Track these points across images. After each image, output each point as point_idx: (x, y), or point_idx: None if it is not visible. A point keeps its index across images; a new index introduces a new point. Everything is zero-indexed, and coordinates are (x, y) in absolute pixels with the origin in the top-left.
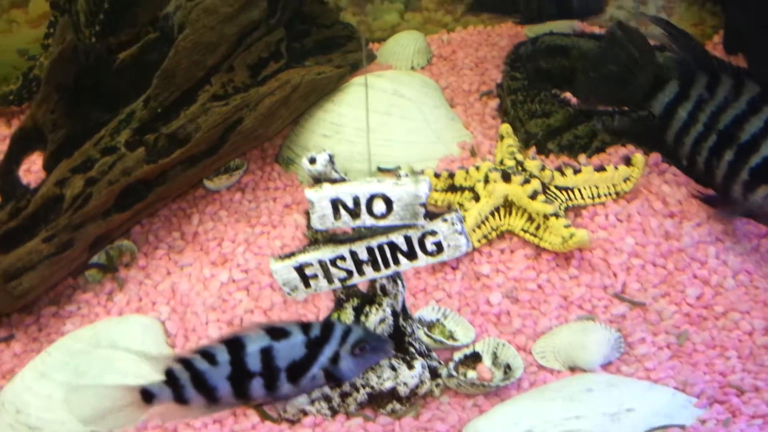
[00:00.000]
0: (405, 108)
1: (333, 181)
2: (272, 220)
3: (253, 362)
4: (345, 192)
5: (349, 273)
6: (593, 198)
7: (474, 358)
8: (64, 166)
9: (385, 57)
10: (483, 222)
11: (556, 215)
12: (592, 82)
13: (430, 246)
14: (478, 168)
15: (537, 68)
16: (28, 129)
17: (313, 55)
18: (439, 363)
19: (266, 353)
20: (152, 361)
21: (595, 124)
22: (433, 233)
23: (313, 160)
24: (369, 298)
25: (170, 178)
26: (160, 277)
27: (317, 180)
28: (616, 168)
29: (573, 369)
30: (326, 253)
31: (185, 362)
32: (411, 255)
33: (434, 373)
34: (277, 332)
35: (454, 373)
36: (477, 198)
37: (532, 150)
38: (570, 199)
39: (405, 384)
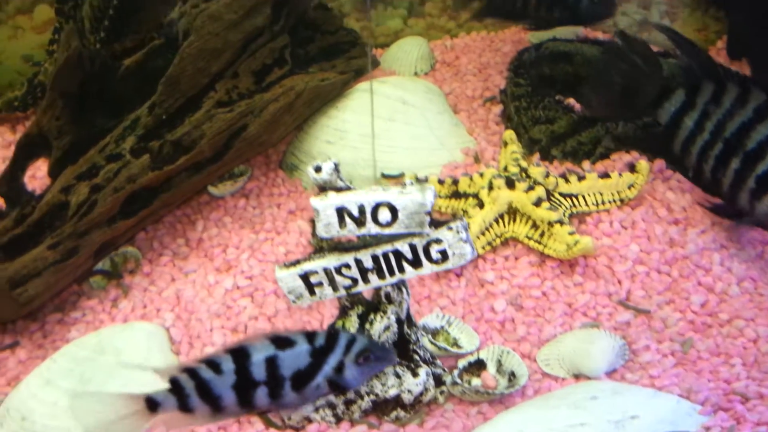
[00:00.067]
0: (409, 114)
1: (338, 190)
2: (276, 227)
3: (258, 371)
4: (350, 200)
5: (354, 281)
6: (597, 205)
7: (478, 366)
8: (69, 172)
9: (388, 63)
10: (487, 229)
11: (561, 222)
12: (597, 93)
13: (434, 254)
14: (482, 175)
15: (540, 74)
16: (33, 135)
17: (317, 62)
18: (444, 370)
19: (271, 362)
20: (157, 373)
21: (599, 131)
22: (438, 241)
23: (318, 169)
24: (374, 305)
25: (175, 185)
26: (165, 284)
27: (322, 188)
28: (620, 175)
29: (577, 376)
30: (331, 261)
31: (190, 371)
32: (416, 263)
33: (439, 381)
34: (282, 341)
35: (459, 381)
36: (481, 205)
37: (536, 156)
38: (574, 205)
39: (409, 391)
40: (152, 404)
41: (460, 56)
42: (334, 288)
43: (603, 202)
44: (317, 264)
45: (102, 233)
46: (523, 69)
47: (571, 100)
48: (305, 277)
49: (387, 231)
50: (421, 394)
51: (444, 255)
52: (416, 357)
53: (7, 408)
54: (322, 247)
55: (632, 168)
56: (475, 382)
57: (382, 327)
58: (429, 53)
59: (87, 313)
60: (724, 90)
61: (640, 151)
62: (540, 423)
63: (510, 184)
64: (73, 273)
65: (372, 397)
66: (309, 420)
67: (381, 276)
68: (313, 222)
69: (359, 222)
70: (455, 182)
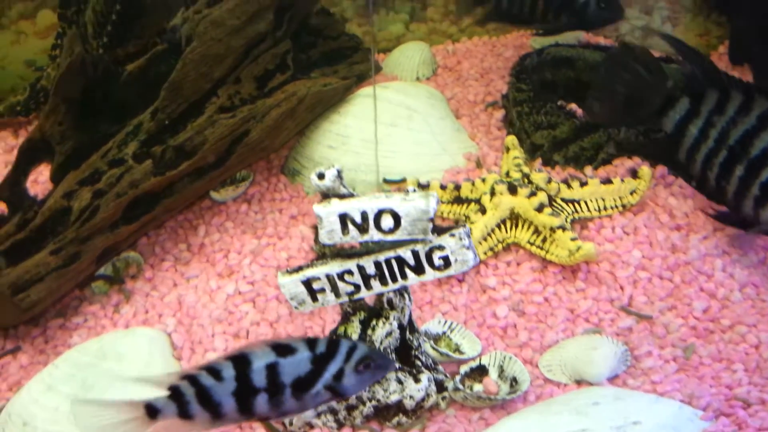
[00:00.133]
0: (411, 119)
1: (341, 197)
2: (278, 232)
3: (259, 378)
4: (353, 207)
5: (357, 287)
6: (600, 210)
7: (480, 372)
8: (72, 178)
9: (390, 68)
10: (489, 234)
11: (563, 228)
12: (601, 102)
13: (437, 261)
14: (484, 180)
15: (543, 80)
16: (35, 140)
17: (319, 67)
18: (446, 376)
19: (271, 369)
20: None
21: (601, 136)
22: (440, 248)
23: (321, 176)
24: (376, 311)
25: (177, 190)
26: (167, 289)
27: (325, 195)
28: (622, 180)
29: (579, 382)
30: (334, 267)
31: (191, 378)
32: (418, 269)
33: (440, 386)
34: (282, 348)
35: (461, 386)
36: (483, 210)
37: (538, 161)
38: (576, 211)
39: (411, 397)
40: (152, 411)
41: (462, 61)
42: (337, 294)
43: (605, 208)
44: (320, 270)
45: (104, 238)
46: (525, 74)
47: (573, 106)
48: (308, 284)
49: (390, 238)
50: (423, 399)
51: (446, 261)
52: (418, 363)
53: (8, 413)
54: (324, 253)
55: (634, 174)
56: (477, 387)
57: (384, 333)
58: (431, 58)
59: (89, 319)
60: (728, 98)
61: (643, 158)
62: (542, 429)
63: (512, 189)
64: (75, 278)
65: (374, 402)
66: (311, 425)
67: (383, 282)
68: (315, 228)
69: (362, 229)
70: (457, 187)
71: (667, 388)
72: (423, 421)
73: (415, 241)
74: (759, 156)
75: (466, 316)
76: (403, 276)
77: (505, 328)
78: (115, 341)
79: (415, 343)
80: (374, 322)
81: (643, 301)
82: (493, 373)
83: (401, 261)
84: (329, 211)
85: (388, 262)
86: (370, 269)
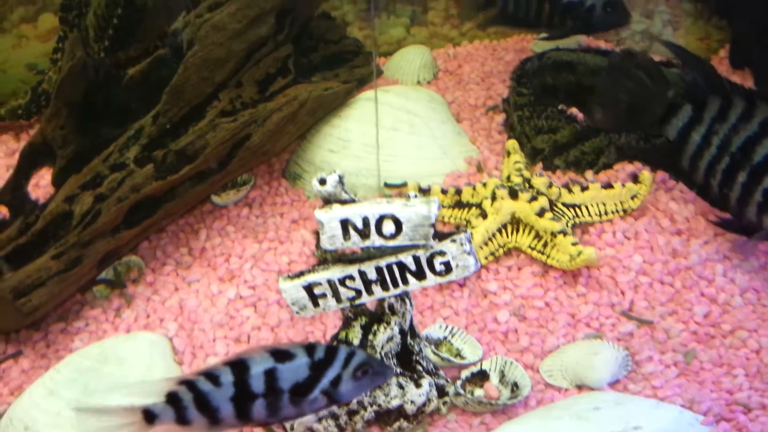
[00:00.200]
0: (412, 123)
1: (343, 202)
2: (279, 236)
3: (257, 384)
4: (354, 213)
5: (358, 292)
6: (600, 215)
7: (481, 376)
8: (73, 182)
9: (391, 71)
10: (490, 239)
11: (564, 233)
12: (603, 109)
13: (438, 266)
14: (485, 184)
15: (543, 84)
16: (37, 144)
17: (320, 71)
18: (447, 381)
19: (270, 375)
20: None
21: (602, 141)
22: (441, 253)
23: (323, 181)
24: (377, 316)
25: (179, 195)
26: (168, 293)
27: (327, 201)
28: (623, 185)
29: (580, 387)
30: (335, 272)
31: (188, 383)
32: (419, 275)
33: (441, 391)
34: (281, 354)
35: (462, 391)
36: (484, 215)
37: (539, 166)
38: (577, 216)
39: (412, 402)
40: (149, 416)
41: (463, 65)
42: (338, 299)
43: (606, 213)
44: (321, 275)
45: (106, 243)
46: (526, 78)
47: (574, 110)
48: (309, 289)
49: (391, 243)
50: (424, 404)
51: (447, 267)
52: (419, 368)
53: (10, 418)
54: (326, 258)
55: (635, 178)
56: (478, 392)
57: (385, 338)
58: (432, 62)
59: (90, 323)
60: (730, 104)
61: (643, 163)
62: None
63: (513, 194)
64: (77, 283)
65: (375, 407)
66: (312, 430)
67: (385, 288)
68: (317, 234)
69: (363, 234)
70: (458, 192)
71: (667, 393)
72: (424, 425)
73: (416, 247)
74: (761, 162)
75: (467, 320)
76: (405, 281)
77: (506, 333)
78: (117, 346)
79: (417, 348)
80: (375, 327)
81: (644, 305)
82: (494, 378)
83: (402, 266)
84: (331, 217)
85: (389, 267)
86: (372, 274)
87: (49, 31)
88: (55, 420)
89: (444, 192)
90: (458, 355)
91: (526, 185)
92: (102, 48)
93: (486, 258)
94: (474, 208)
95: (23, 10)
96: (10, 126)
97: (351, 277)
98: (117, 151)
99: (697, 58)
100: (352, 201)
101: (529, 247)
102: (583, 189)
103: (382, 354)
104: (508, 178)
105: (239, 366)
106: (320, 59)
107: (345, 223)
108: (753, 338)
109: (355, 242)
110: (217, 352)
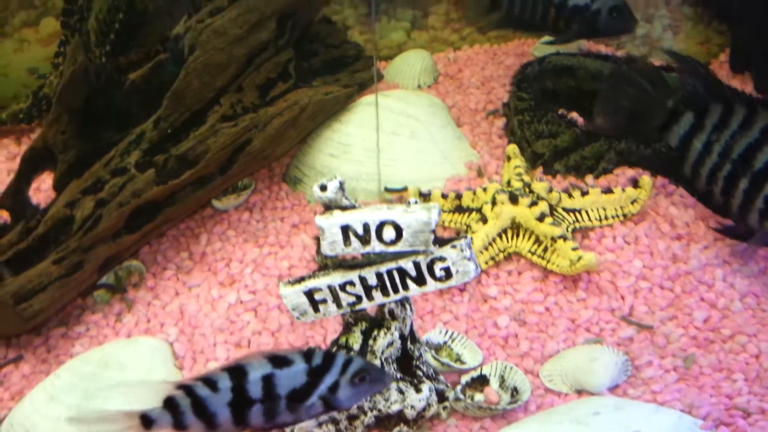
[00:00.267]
0: (412, 128)
1: (343, 208)
2: (280, 240)
3: (255, 389)
4: (355, 219)
5: (358, 298)
6: (601, 220)
7: (481, 381)
8: (75, 187)
9: (391, 76)
10: (490, 244)
11: (564, 238)
12: (605, 116)
13: (438, 272)
14: (485, 189)
15: (544, 88)
16: (38, 149)
17: (321, 75)
18: (447, 386)
19: (267, 381)
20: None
21: (603, 146)
22: (442, 259)
23: (323, 187)
24: (377, 321)
25: (180, 200)
26: (169, 298)
27: (327, 206)
28: (623, 190)
29: (580, 392)
30: (336, 278)
31: (186, 389)
32: (420, 280)
33: (442, 396)
34: (279, 360)
35: (462, 396)
36: (484, 220)
37: (539, 171)
38: (577, 220)
39: (412, 407)
40: (147, 421)
41: (463, 69)
42: (338, 305)
43: (606, 218)
44: (322, 281)
45: (107, 248)
46: (527, 83)
47: (574, 115)
48: (309, 294)
49: (391, 249)
50: (424, 409)
51: (448, 272)
52: (419, 372)
53: (11, 423)
54: (326, 264)
55: (635, 183)
56: (478, 397)
57: (385, 343)
58: (432, 66)
59: (91, 328)
60: (731, 111)
61: (644, 169)
62: None
63: (513, 199)
64: (78, 287)
65: (375, 412)
66: None
67: (385, 293)
68: (318, 240)
69: (364, 240)
70: (458, 197)
71: (667, 397)
72: (424, 430)
73: (416, 253)
74: (763, 169)
75: (467, 325)
76: (405, 287)
77: (506, 338)
78: (117, 350)
79: (417, 353)
80: (376, 332)
81: (643, 310)
82: (494, 383)
83: (403, 272)
84: (331, 223)
85: (389, 273)
86: (372, 280)
87: (51, 36)
88: (55, 425)
89: (444, 196)
90: (458, 359)
91: (527, 190)
92: (103, 53)
93: (486, 263)
94: (474, 213)
95: (25, 14)
96: (12, 130)
97: (351, 283)
98: (118, 155)
99: (697, 65)
100: (353, 207)
101: (529, 251)
102: (584, 194)
103: (383, 359)
104: (509, 183)
105: (237, 371)
106: (321, 64)
107: (345, 229)
108: (752, 343)
109: (356, 248)
110: (217, 357)
